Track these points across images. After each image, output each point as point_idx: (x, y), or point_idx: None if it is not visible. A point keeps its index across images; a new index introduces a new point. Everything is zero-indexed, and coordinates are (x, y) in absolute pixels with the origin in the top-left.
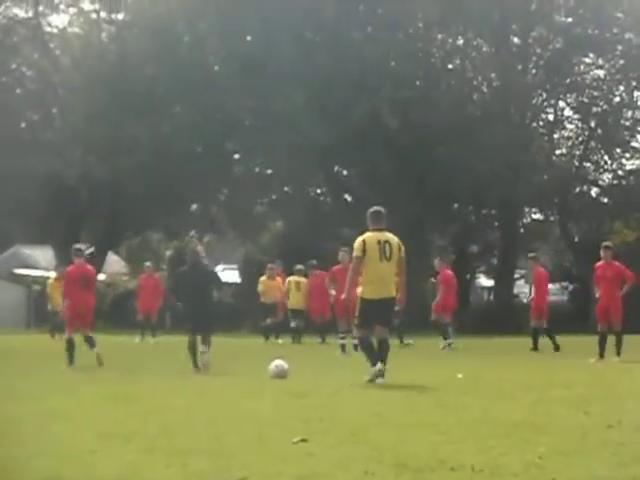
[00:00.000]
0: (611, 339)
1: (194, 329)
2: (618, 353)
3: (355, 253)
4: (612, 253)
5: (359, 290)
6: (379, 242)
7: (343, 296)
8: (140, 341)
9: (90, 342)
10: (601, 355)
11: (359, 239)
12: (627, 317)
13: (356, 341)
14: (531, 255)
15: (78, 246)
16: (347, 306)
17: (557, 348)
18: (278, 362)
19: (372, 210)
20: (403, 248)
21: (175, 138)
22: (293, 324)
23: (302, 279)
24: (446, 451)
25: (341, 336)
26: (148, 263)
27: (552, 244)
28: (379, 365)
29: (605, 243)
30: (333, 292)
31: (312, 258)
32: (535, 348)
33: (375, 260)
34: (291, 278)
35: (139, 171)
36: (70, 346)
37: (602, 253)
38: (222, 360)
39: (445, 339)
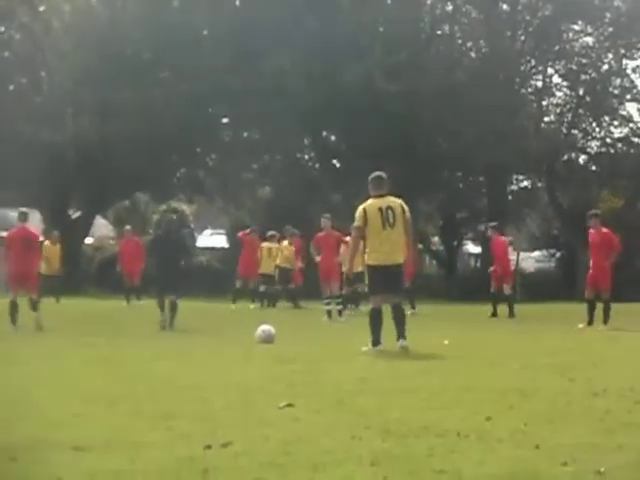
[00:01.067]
0: (599, 307)
1: (162, 291)
2: (605, 321)
3: (356, 223)
4: (600, 220)
5: (366, 258)
6: (380, 209)
7: (344, 268)
8: (127, 305)
9: (33, 305)
10: (590, 322)
11: (360, 208)
12: (616, 285)
13: (340, 307)
14: (492, 224)
15: (23, 210)
16: (331, 272)
17: (512, 314)
18: (265, 327)
19: (373, 176)
20: (407, 208)
21: (164, 102)
22: (263, 288)
23: (274, 245)
24: (432, 417)
25: (326, 302)
26: (128, 227)
27: (540, 211)
28: (381, 347)
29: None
30: (318, 258)
31: (300, 223)
32: (495, 314)
33: (378, 228)
34: (264, 244)
35: (128, 135)
36: (12, 308)
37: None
38: (208, 324)
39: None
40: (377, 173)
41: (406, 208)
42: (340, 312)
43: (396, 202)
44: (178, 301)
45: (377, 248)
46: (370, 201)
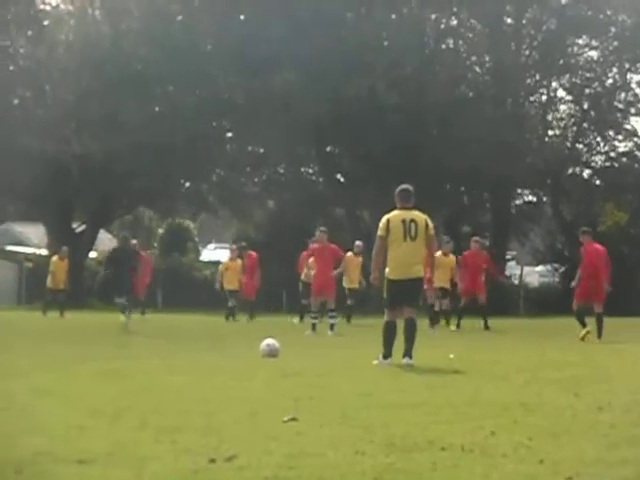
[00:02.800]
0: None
1: (119, 294)
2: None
3: (379, 233)
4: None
5: (386, 271)
6: (404, 221)
7: (371, 277)
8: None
9: None
10: (584, 325)
11: (384, 218)
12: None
13: (333, 320)
14: (475, 238)
15: None
16: (326, 285)
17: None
18: (269, 341)
19: (400, 188)
20: (432, 225)
21: (167, 117)
22: (230, 303)
23: (238, 261)
24: (436, 431)
25: (313, 315)
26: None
27: (544, 226)
28: (390, 360)
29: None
30: (312, 272)
31: (304, 237)
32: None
33: (399, 240)
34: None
35: (132, 149)
36: None
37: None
38: (213, 338)
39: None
40: (404, 186)
41: (430, 224)
42: (332, 326)
43: (421, 217)
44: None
45: (397, 260)
46: (395, 212)
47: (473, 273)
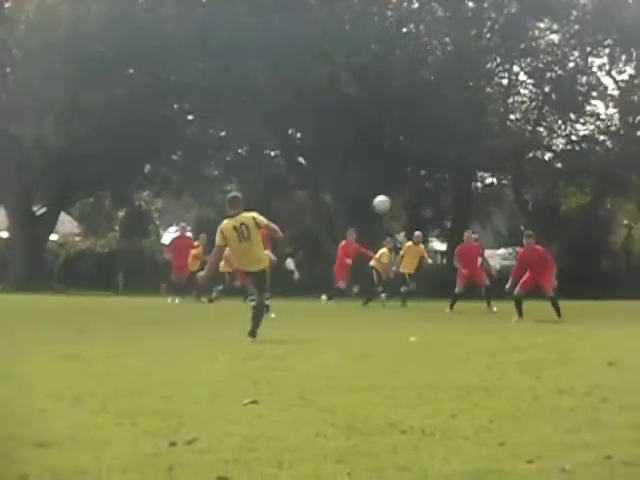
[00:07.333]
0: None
1: None
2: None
3: (217, 242)
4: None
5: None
6: (235, 228)
7: (202, 273)
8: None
9: None
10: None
11: (218, 230)
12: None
13: (267, 302)
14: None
15: None
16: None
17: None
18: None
19: (230, 196)
20: (261, 218)
21: (129, 100)
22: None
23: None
24: (397, 414)
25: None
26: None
27: (505, 209)
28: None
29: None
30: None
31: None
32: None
33: (235, 243)
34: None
35: (93, 132)
36: None
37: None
38: (173, 321)
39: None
40: (233, 194)
41: (259, 218)
42: (267, 307)
43: (248, 217)
44: None
45: (239, 258)
46: (225, 221)
47: None
